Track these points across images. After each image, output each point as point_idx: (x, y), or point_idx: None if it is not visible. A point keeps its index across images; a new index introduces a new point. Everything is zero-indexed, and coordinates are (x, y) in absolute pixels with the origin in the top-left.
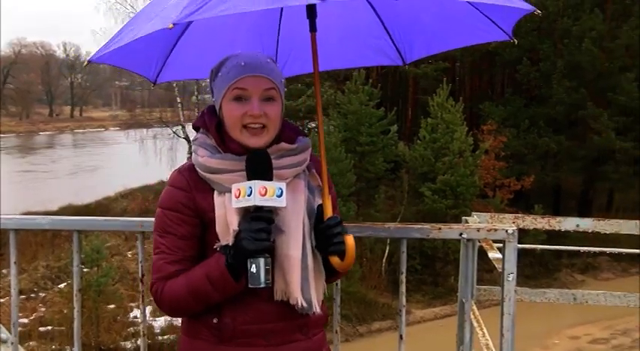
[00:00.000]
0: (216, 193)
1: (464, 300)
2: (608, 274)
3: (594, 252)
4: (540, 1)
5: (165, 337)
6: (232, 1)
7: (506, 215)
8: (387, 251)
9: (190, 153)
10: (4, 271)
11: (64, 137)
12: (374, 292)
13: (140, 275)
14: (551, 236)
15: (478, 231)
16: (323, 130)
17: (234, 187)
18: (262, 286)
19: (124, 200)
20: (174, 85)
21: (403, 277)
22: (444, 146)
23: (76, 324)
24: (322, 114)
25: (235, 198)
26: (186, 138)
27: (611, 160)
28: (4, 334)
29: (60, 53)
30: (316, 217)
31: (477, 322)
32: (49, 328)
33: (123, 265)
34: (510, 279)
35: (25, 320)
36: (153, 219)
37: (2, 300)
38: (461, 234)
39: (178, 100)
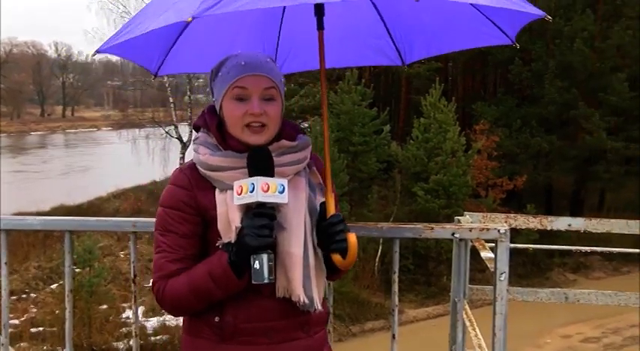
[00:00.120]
0: (217, 190)
1: (456, 299)
2: (599, 274)
3: (586, 251)
4: (533, 2)
5: (158, 337)
6: None
7: (499, 215)
8: (379, 251)
9: (183, 153)
10: None
11: (56, 137)
12: (367, 291)
13: (132, 276)
14: (543, 236)
15: (470, 231)
16: (326, 128)
17: (236, 184)
18: (266, 282)
19: (117, 200)
20: (167, 84)
21: (396, 277)
22: (437, 146)
23: (67, 325)
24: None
25: (237, 195)
26: (179, 138)
27: (603, 160)
28: None
29: (52, 53)
30: (319, 214)
31: (470, 321)
32: (41, 329)
33: (115, 266)
34: (502, 278)
35: (17, 321)
36: (145, 219)
37: None
38: (453, 234)
39: (171, 100)
